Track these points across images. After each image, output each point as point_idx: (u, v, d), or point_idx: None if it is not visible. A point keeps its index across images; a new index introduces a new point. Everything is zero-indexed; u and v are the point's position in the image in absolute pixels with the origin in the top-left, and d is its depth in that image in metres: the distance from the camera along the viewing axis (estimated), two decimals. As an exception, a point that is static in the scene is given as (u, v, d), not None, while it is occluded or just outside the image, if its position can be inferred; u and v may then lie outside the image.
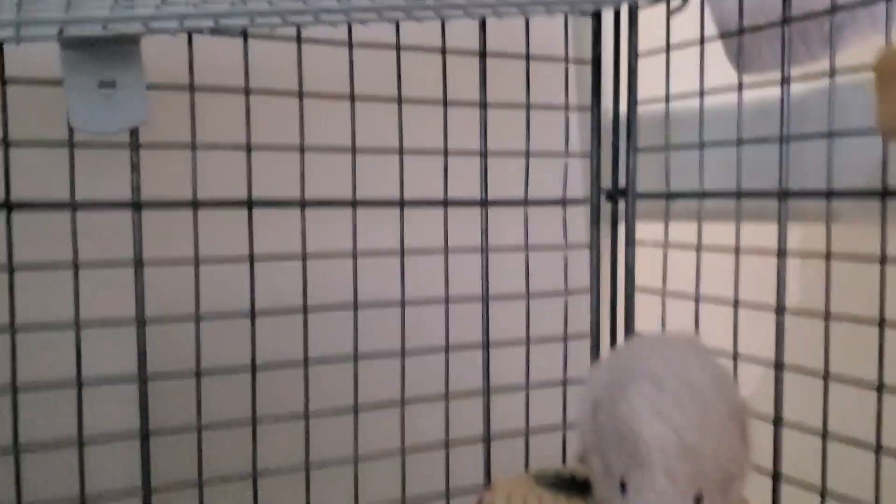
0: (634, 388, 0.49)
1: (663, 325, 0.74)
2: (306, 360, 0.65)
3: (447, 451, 0.71)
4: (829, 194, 0.58)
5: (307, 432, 0.65)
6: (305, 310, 0.64)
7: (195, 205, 0.60)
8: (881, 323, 0.55)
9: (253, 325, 0.63)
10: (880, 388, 0.55)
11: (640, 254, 0.77)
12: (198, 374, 0.61)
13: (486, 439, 0.72)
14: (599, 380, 0.54)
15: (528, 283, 0.74)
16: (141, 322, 0.59)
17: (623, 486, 0.48)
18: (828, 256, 0.59)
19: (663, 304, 0.74)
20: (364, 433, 0.67)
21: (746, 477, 0.51)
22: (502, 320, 0.73)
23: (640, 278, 0.77)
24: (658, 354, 0.52)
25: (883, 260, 0.55)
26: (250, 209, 0.62)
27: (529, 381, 0.74)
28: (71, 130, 0.56)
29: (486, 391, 0.72)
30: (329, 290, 0.66)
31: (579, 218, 0.78)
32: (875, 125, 0.50)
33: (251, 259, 0.62)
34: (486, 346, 0.72)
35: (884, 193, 0.55)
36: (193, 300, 0.61)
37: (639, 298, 0.77)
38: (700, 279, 0.70)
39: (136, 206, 0.59)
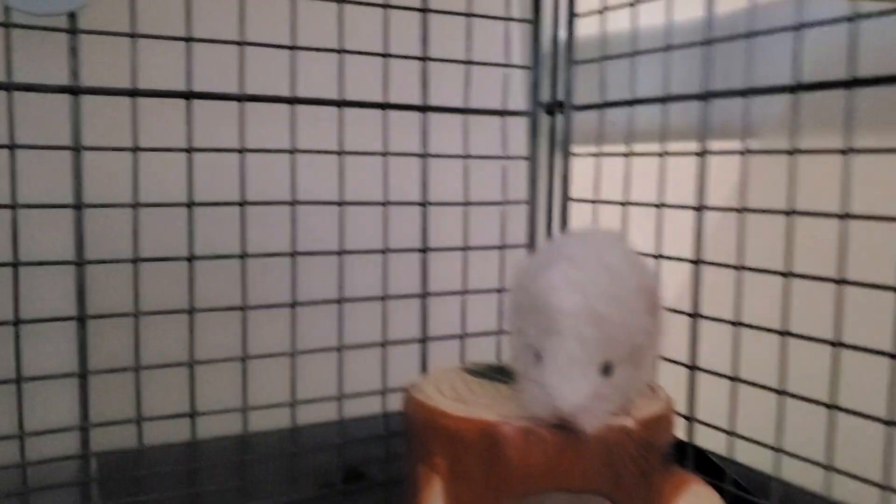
0: (552, 266, 0.51)
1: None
2: (244, 253, 0.66)
3: (385, 337, 0.73)
4: (748, 92, 0.61)
5: (244, 324, 0.67)
6: (243, 203, 0.66)
7: (134, 94, 0.61)
8: (790, 212, 0.58)
9: (190, 215, 0.64)
10: (789, 274, 0.58)
11: (576, 173, 0.79)
12: (135, 261, 0.62)
13: (423, 339, 0.74)
14: (524, 267, 0.56)
15: (467, 191, 0.76)
16: (78, 207, 0.60)
17: (539, 358, 0.51)
18: (745, 152, 0.62)
19: (594, 210, 0.76)
20: (301, 330, 0.69)
21: (655, 350, 0.54)
22: (441, 230, 0.75)
23: (575, 193, 0.79)
24: (579, 241, 0.54)
25: (793, 151, 0.58)
26: (189, 100, 0.63)
27: (467, 287, 0.76)
28: (7, 10, 0.57)
29: (424, 292, 0.74)
30: (266, 186, 0.67)
31: (519, 136, 0.80)
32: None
33: (189, 150, 0.63)
34: (424, 250, 0.74)
35: (796, 88, 0.58)
36: (131, 190, 0.62)
37: (574, 212, 0.79)
38: (630, 185, 0.73)
39: (75, 91, 0.59)
